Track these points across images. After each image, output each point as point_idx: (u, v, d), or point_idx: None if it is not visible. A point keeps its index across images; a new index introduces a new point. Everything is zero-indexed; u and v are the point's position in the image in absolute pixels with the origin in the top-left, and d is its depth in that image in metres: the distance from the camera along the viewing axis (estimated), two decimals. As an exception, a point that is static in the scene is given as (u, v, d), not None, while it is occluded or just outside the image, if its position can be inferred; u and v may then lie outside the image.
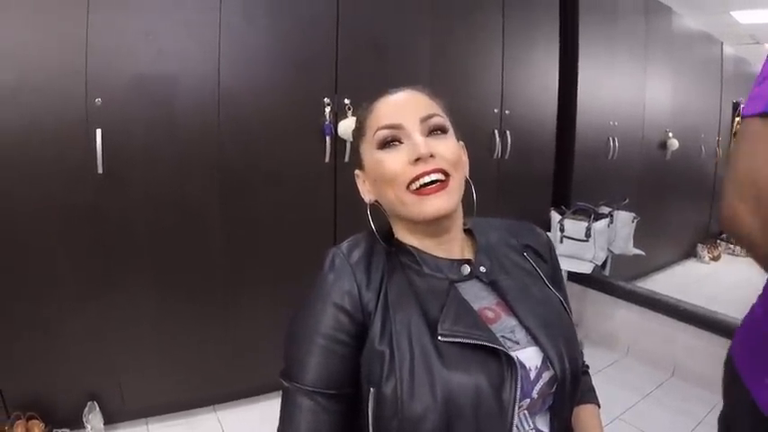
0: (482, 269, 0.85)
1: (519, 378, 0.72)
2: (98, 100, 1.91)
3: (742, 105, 5.25)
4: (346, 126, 2.32)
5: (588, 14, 3.30)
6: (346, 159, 2.40)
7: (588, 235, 3.02)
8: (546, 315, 0.82)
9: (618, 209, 3.19)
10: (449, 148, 0.79)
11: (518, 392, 0.72)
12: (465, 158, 0.87)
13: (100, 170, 1.93)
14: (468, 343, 0.73)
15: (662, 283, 3.79)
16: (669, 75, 4.22)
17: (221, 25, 2.11)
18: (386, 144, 0.81)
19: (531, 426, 0.77)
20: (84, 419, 2.05)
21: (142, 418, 2.27)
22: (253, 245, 2.33)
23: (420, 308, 0.77)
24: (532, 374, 0.75)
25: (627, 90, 3.76)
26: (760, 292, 1.05)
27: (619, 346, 3.11)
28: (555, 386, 0.77)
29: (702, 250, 5.02)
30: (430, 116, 0.80)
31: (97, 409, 2.08)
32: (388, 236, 0.88)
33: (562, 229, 3.12)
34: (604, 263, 3.17)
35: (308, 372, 0.75)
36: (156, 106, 2.04)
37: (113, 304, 2.08)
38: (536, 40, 3.16)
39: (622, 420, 2.38)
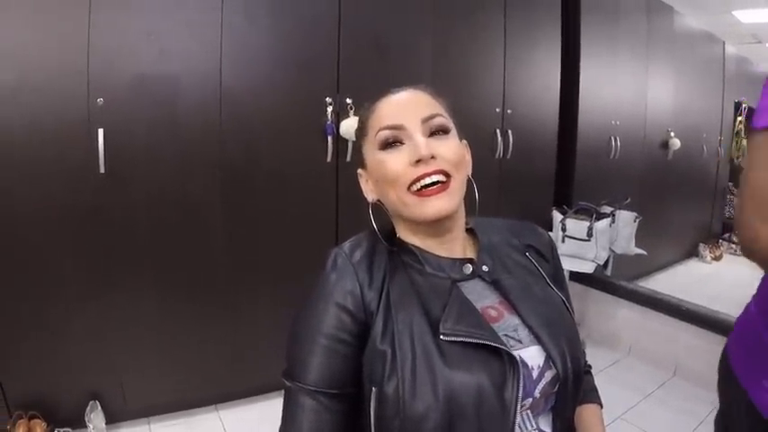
0: (484, 268, 0.85)
1: (521, 377, 0.72)
2: (100, 100, 1.91)
3: (744, 106, 5.25)
4: (348, 126, 2.32)
5: (590, 14, 3.30)
6: (348, 159, 2.40)
7: (590, 234, 3.01)
8: (548, 314, 0.82)
9: (620, 208, 3.19)
10: (450, 149, 0.79)
11: (520, 392, 0.72)
12: (468, 158, 0.87)
13: (102, 170, 1.93)
14: (470, 342, 0.73)
15: (664, 283, 3.79)
16: (671, 74, 4.21)
17: (223, 25, 2.12)
18: (387, 145, 0.81)
19: (534, 425, 0.77)
20: (86, 419, 2.05)
21: (144, 418, 2.27)
22: (254, 244, 2.33)
23: (422, 307, 0.77)
24: (535, 374, 0.75)
25: (629, 89, 3.75)
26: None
27: (620, 346, 3.11)
28: (557, 385, 0.77)
29: (704, 250, 5.01)
30: (432, 116, 0.80)
31: (99, 408, 2.08)
32: (390, 235, 0.87)
33: (564, 229, 3.11)
34: (606, 262, 3.17)
35: (310, 371, 0.75)
36: (157, 106, 2.04)
37: (115, 304, 2.08)
38: (538, 40, 3.15)
39: (624, 420, 2.38)
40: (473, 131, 0.93)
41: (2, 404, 1.95)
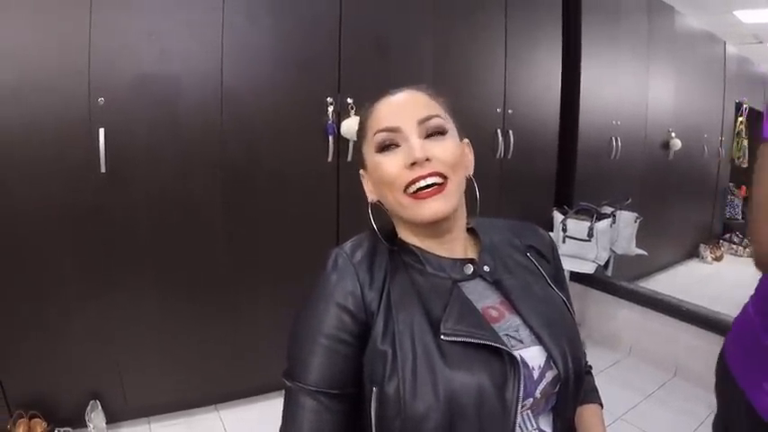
0: (486, 268, 0.85)
1: (522, 377, 0.72)
2: (101, 99, 1.92)
3: (745, 106, 5.24)
4: (349, 125, 2.32)
5: (591, 14, 3.30)
6: (349, 159, 2.40)
7: (591, 235, 3.01)
8: (549, 314, 0.82)
9: (620, 209, 3.19)
10: (447, 150, 0.79)
11: (521, 392, 0.71)
12: (471, 156, 0.87)
13: (103, 169, 1.93)
14: (470, 342, 0.73)
15: (664, 284, 3.79)
16: (672, 74, 4.21)
17: (224, 25, 2.12)
18: (384, 147, 0.81)
19: (534, 426, 0.77)
20: (87, 418, 2.05)
21: (144, 417, 2.27)
22: (255, 244, 2.33)
23: (423, 307, 0.77)
24: (536, 374, 0.75)
25: (630, 89, 3.75)
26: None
27: (621, 346, 3.11)
28: (558, 386, 0.77)
29: (705, 250, 5.01)
30: (428, 118, 0.80)
31: (99, 407, 2.09)
32: (390, 235, 0.87)
33: (565, 229, 3.11)
34: (607, 263, 3.17)
35: (310, 372, 0.75)
36: (158, 106, 2.04)
37: (115, 303, 2.08)
38: (539, 40, 3.15)
39: (624, 420, 2.38)
40: (474, 131, 0.93)
41: (2, 403, 1.95)
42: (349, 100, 2.37)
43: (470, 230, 0.91)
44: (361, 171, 0.88)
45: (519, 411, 0.71)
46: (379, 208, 0.86)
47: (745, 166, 5.39)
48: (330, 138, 2.35)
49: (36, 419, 1.95)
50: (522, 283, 0.85)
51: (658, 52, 3.96)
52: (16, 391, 1.97)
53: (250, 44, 2.20)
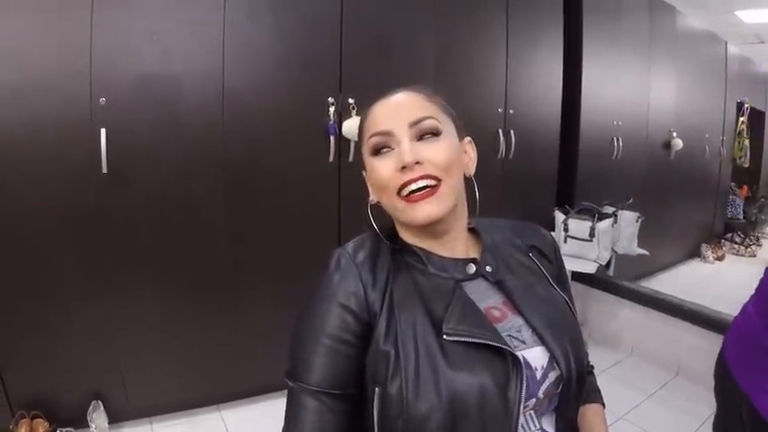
0: (488, 268, 0.85)
1: (524, 378, 0.72)
2: (102, 100, 1.92)
3: (746, 106, 5.24)
4: (350, 125, 2.32)
5: (592, 14, 3.30)
6: (350, 159, 2.40)
7: (592, 235, 3.01)
8: (551, 315, 0.82)
9: (622, 209, 3.19)
10: (439, 152, 0.78)
11: (523, 392, 0.71)
12: (473, 155, 0.87)
13: (104, 170, 1.93)
14: (473, 342, 0.73)
15: (666, 283, 3.78)
16: (673, 74, 4.20)
17: (225, 24, 2.12)
18: (377, 151, 0.81)
19: (537, 426, 0.77)
20: (89, 418, 2.05)
21: (146, 417, 2.27)
22: (256, 244, 2.33)
23: (425, 307, 0.77)
24: (538, 374, 0.75)
25: (631, 89, 3.75)
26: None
27: (623, 346, 3.11)
28: (561, 386, 0.77)
29: (706, 250, 5.00)
30: (420, 120, 0.79)
31: (101, 408, 2.09)
32: (391, 234, 0.87)
33: (566, 229, 3.11)
34: (608, 263, 3.17)
35: (313, 372, 0.75)
36: (160, 106, 2.04)
37: (117, 304, 2.08)
38: (540, 40, 3.15)
39: (626, 420, 2.37)
40: (475, 131, 0.93)
41: (4, 404, 1.95)
42: (350, 100, 2.37)
43: (472, 230, 0.91)
44: (363, 172, 0.88)
45: (521, 411, 0.71)
46: (380, 208, 0.87)
47: (746, 165, 5.38)
48: (331, 138, 2.35)
49: (38, 420, 1.95)
50: (525, 284, 0.85)
51: (660, 52, 3.95)
52: (18, 392, 1.97)
53: (251, 43, 2.20)
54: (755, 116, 5.36)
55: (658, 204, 4.06)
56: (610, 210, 3.16)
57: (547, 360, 0.76)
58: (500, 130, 2.96)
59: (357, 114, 2.33)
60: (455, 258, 0.84)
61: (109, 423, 2.10)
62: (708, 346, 2.55)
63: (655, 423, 2.36)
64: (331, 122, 2.35)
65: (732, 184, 5.57)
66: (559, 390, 0.77)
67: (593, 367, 1.02)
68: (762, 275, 1.06)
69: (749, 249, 5.13)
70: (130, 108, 1.98)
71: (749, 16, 4.59)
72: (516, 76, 3.01)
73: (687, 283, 4.26)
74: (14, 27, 1.78)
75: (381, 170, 0.79)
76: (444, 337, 0.73)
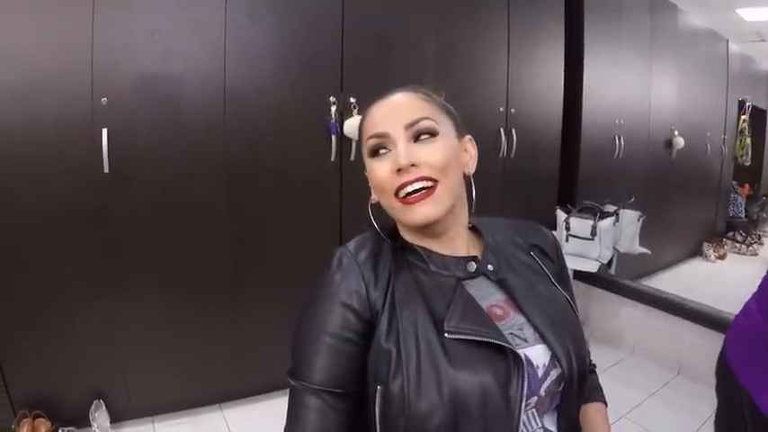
0: (490, 267, 0.85)
1: (526, 376, 0.72)
2: (104, 100, 1.92)
3: (748, 104, 5.23)
4: (351, 125, 2.33)
5: (593, 12, 3.29)
6: (352, 158, 2.40)
7: (594, 233, 3.01)
8: (553, 313, 0.82)
9: (623, 207, 3.18)
10: (435, 154, 0.78)
11: (525, 390, 0.72)
12: (473, 153, 0.87)
13: (106, 170, 1.93)
14: (474, 340, 0.73)
15: (668, 282, 3.78)
16: (674, 73, 4.20)
17: (227, 24, 2.12)
18: (375, 152, 0.81)
19: (539, 424, 0.77)
20: (91, 418, 2.06)
21: (148, 417, 2.28)
22: (258, 244, 2.33)
23: (426, 306, 0.77)
24: (540, 372, 0.75)
25: (632, 88, 3.75)
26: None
27: (624, 345, 3.11)
28: (562, 384, 0.77)
29: (708, 249, 5.00)
30: (416, 121, 0.79)
31: (103, 407, 2.09)
32: (393, 233, 0.88)
33: (568, 228, 3.11)
34: (610, 261, 3.16)
35: (315, 371, 0.75)
36: (161, 105, 2.04)
37: (119, 303, 2.08)
38: (541, 39, 3.15)
39: (628, 419, 2.37)
40: (477, 130, 0.92)
41: (6, 403, 1.96)
42: (352, 99, 2.37)
43: (473, 229, 0.91)
44: (366, 172, 0.88)
45: (523, 410, 0.72)
46: (381, 207, 0.87)
47: (748, 164, 5.38)
48: (333, 137, 2.36)
49: (40, 419, 1.95)
50: (526, 282, 0.85)
51: (661, 51, 3.95)
52: (20, 391, 1.98)
53: (253, 43, 2.20)
54: (757, 114, 5.35)
55: (660, 203, 4.06)
56: (611, 208, 3.16)
57: (548, 358, 0.76)
58: (501, 130, 2.96)
59: (358, 114, 2.33)
60: (456, 257, 0.84)
61: (111, 422, 2.10)
62: (709, 344, 2.55)
63: (656, 422, 2.36)
64: (332, 122, 2.35)
65: (734, 182, 5.56)
66: (561, 388, 0.77)
67: (594, 366, 1.02)
68: (764, 273, 1.05)
69: (751, 248, 5.13)
70: (132, 108, 1.98)
71: (750, 14, 4.59)
72: (518, 75, 3.01)
73: (689, 282, 4.26)
74: (15, 27, 1.78)
75: (378, 172, 0.80)
76: (446, 335, 0.73)
